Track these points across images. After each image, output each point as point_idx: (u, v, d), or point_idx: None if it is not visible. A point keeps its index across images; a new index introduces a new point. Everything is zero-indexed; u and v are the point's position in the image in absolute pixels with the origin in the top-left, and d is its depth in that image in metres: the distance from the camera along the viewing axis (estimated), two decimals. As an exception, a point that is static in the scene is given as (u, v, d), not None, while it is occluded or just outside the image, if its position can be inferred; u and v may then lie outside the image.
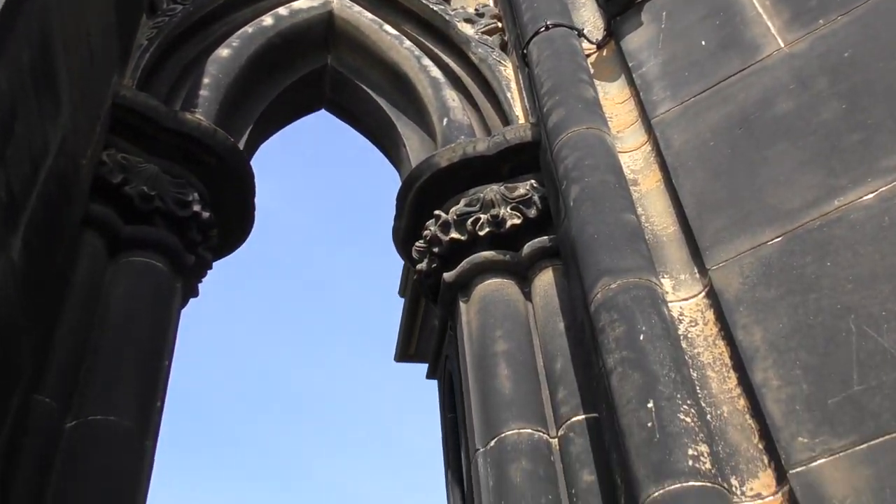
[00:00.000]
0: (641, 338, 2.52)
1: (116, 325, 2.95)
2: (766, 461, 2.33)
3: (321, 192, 21.34)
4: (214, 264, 3.71)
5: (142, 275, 3.14)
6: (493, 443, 3.07)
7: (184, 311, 3.42)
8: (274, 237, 20.89)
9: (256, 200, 3.81)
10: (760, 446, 2.36)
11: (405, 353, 6.42)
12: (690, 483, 2.22)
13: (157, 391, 2.97)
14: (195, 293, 3.58)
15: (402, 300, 6.24)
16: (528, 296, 3.49)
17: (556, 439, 3.05)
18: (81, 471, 2.60)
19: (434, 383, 5.66)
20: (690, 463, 2.26)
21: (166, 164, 3.40)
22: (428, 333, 5.87)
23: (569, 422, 3.01)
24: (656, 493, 2.24)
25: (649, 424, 2.36)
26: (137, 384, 2.89)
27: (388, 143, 4.52)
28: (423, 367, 5.99)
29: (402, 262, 5.17)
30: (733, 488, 2.30)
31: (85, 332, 2.88)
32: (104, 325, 2.94)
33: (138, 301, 3.07)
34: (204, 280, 3.68)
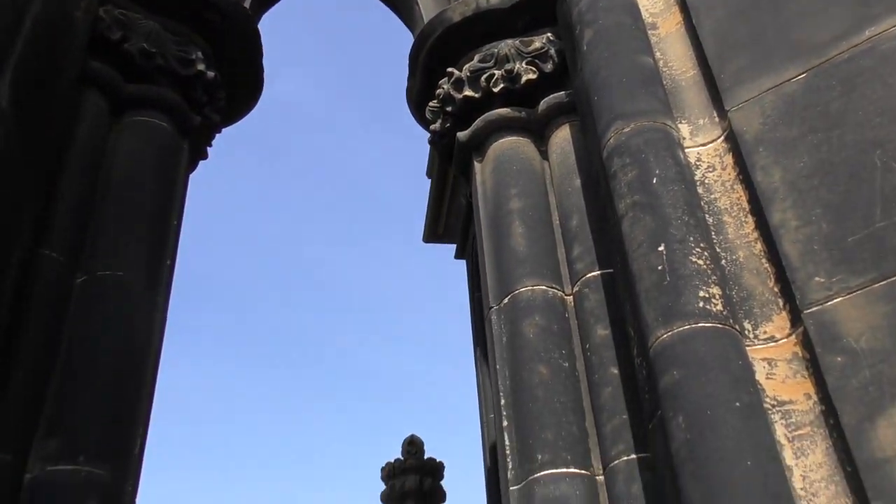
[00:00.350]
0: (654, 181, 2.43)
1: (122, 183, 2.92)
2: (780, 304, 2.25)
3: (347, 74, 21.04)
4: (232, 138, 3.64)
5: (146, 133, 3.09)
6: (506, 300, 3.03)
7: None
8: (299, 118, 20.75)
9: (266, 62, 3.70)
10: (776, 290, 2.28)
11: (433, 233, 6.37)
12: (700, 324, 2.17)
13: (166, 249, 2.95)
14: (204, 155, 3.53)
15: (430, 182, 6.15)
16: (543, 154, 3.39)
17: (571, 296, 3.00)
18: (93, 322, 2.63)
19: (463, 263, 5.64)
20: (701, 304, 2.19)
21: (168, 22, 3.29)
22: (455, 213, 5.81)
23: (584, 278, 2.96)
24: (665, 335, 2.18)
25: (660, 267, 2.29)
26: (145, 241, 2.87)
27: (402, 6, 4.34)
28: (452, 248, 5.97)
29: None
30: (746, 331, 2.23)
31: (90, 189, 2.85)
32: (109, 182, 2.91)
33: (143, 159, 3.02)
34: (215, 145, 3.63)
